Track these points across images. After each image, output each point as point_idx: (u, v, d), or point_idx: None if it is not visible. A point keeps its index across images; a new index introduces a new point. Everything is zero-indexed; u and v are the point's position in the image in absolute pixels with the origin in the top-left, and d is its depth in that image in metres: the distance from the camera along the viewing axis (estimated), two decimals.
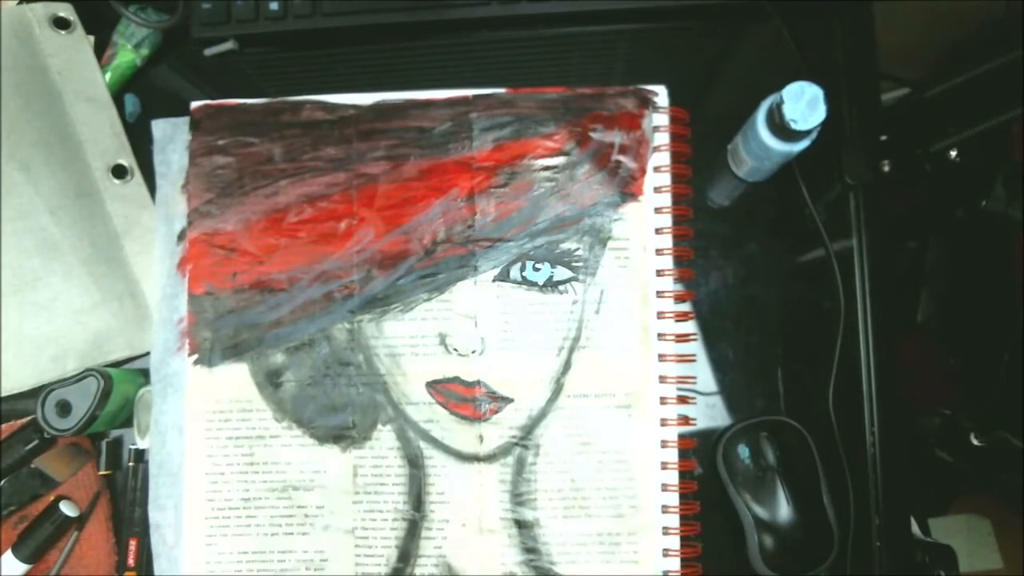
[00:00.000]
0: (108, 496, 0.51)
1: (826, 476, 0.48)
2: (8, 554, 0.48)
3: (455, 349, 0.48)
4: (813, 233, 0.50)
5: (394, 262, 0.49)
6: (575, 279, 0.48)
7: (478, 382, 0.48)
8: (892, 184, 0.56)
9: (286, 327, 0.49)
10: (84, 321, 0.50)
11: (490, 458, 0.48)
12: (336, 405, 0.49)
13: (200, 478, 0.49)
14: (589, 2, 0.52)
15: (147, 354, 0.51)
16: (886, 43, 0.53)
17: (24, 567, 0.48)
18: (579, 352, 0.48)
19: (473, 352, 0.48)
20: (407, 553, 0.48)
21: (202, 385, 0.49)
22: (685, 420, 0.48)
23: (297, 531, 0.48)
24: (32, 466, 0.49)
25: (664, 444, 0.48)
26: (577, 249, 0.49)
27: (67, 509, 0.49)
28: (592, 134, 0.49)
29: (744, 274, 0.51)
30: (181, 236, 0.51)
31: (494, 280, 0.49)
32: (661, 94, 0.50)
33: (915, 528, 0.53)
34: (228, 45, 0.53)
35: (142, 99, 0.54)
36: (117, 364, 0.51)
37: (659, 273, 0.48)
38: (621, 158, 0.49)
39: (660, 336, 0.48)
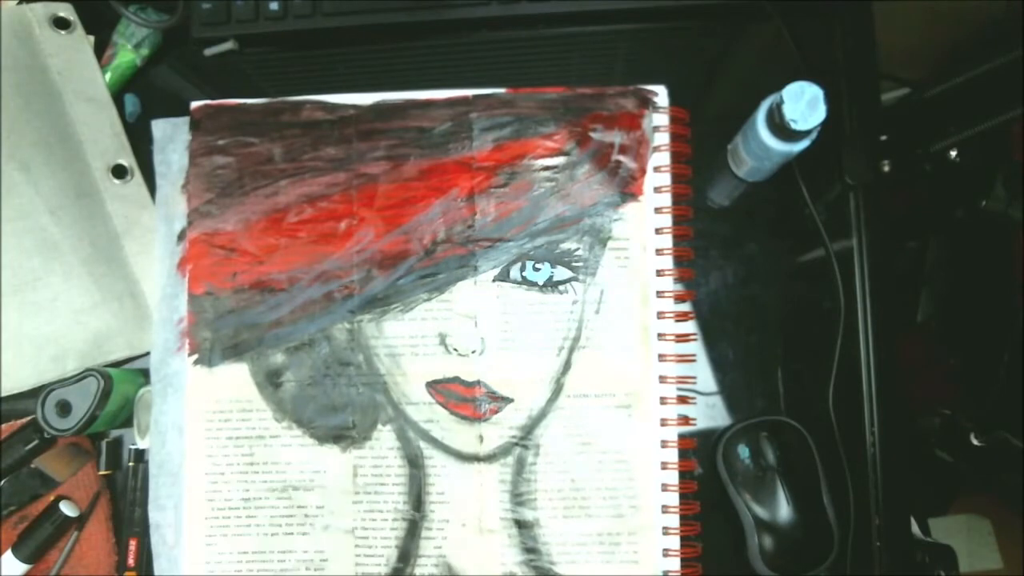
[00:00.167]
0: (108, 496, 0.51)
1: (826, 476, 0.48)
2: (8, 554, 0.48)
3: (455, 349, 0.48)
4: (813, 233, 0.50)
5: (394, 262, 0.49)
6: (575, 279, 0.48)
7: (478, 382, 0.48)
8: (892, 184, 0.56)
9: (286, 327, 0.49)
10: (84, 321, 0.50)
11: (490, 458, 0.48)
12: (336, 405, 0.49)
13: (200, 478, 0.49)
14: (589, 2, 0.52)
15: (147, 354, 0.51)
16: (886, 43, 0.53)
17: (24, 567, 0.48)
18: (579, 352, 0.48)
19: (473, 352, 0.48)
20: (407, 553, 0.48)
21: (202, 385, 0.49)
22: (685, 420, 0.48)
23: (297, 531, 0.48)
24: (32, 466, 0.49)
25: (664, 444, 0.48)
26: (577, 249, 0.49)
27: (67, 509, 0.49)
28: (592, 134, 0.49)
29: (744, 274, 0.51)
30: (181, 236, 0.51)
31: (494, 280, 0.49)
32: (661, 94, 0.50)
33: (915, 528, 0.53)
34: (228, 45, 0.53)
35: (142, 99, 0.54)
36: (117, 364, 0.51)
37: (659, 273, 0.48)
38: (621, 158, 0.49)
39: (660, 336, 0.48)
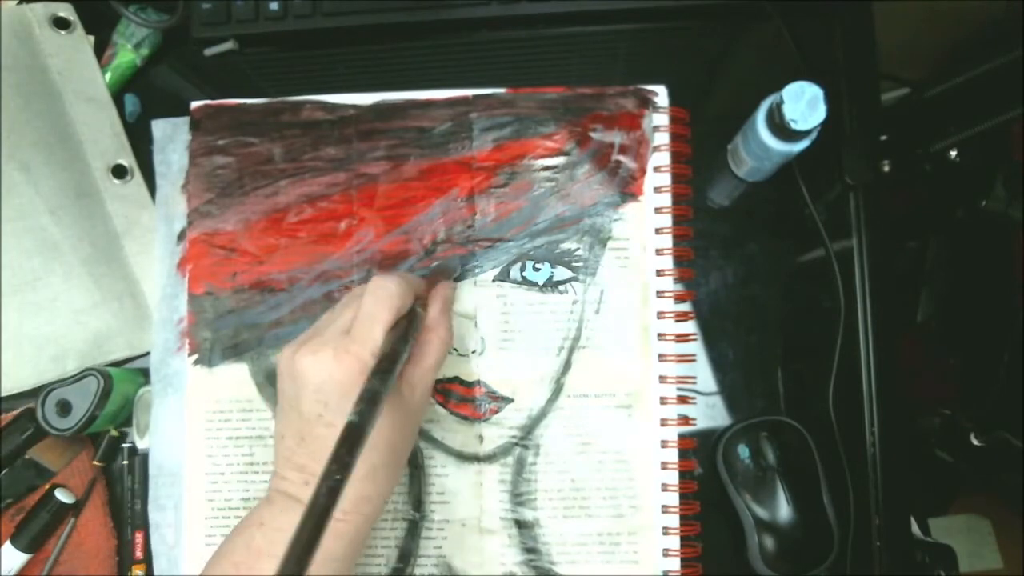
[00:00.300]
0: (104, 482, 0.51)
1: (826, 476, 0.48)
2: (7, 545, 0.48)
3: (455, 349, 0.48)
4: (813, 233, 0.50)
5: (394, 262, 0.49)
6: (575, 279, 0.48)
7: (478, 382, 0.48)
8: (892, 184, 0.56)
9: (286, 327, 0.49)
10: (84, 321, 0.50)
11: (490, 458, 0.48)
12: None
13: (200, 478, 0.49)
14: (589, 2, 0.52)
15: (147, 354, 0.51)
16: (886, 43, 0.53)
17: (24, 556, 0.48)
18: (579, 352, 0.48)
19: (473, 352, 0.48)
20: (407, 553, 0.48)
21: (202, 385, 0.49)
22: (685, 420, 0.48)
23: None
24: (27, 457, 0.49)
25: (664, 444, 0.48)
26: (577, 249, 0.49)
27: (63, 496, 0.49)
28: (592, 134, 0.49)
29: (744, 274, 0.51)
30: (181, 236, 0.51)
31: (494, 280, 0.49)
32: (661, 94, 0.50)
33: (915, 528, 0.53)
34: (228, 45, 0.53)
35: (142, 99, 0.54)
36: (117, 364, 0.51)
37: (659, 273, 0.48)
38: (621, 158, 0.49)
39: (660, 336, 0.48)
